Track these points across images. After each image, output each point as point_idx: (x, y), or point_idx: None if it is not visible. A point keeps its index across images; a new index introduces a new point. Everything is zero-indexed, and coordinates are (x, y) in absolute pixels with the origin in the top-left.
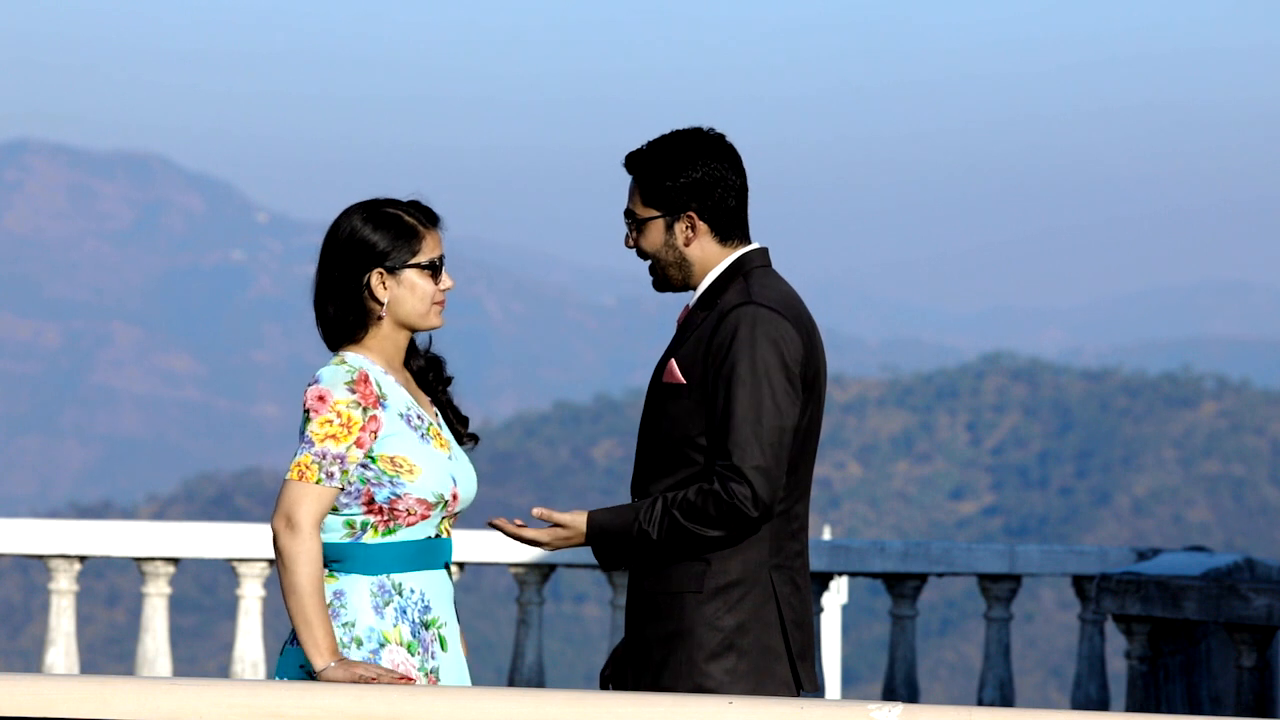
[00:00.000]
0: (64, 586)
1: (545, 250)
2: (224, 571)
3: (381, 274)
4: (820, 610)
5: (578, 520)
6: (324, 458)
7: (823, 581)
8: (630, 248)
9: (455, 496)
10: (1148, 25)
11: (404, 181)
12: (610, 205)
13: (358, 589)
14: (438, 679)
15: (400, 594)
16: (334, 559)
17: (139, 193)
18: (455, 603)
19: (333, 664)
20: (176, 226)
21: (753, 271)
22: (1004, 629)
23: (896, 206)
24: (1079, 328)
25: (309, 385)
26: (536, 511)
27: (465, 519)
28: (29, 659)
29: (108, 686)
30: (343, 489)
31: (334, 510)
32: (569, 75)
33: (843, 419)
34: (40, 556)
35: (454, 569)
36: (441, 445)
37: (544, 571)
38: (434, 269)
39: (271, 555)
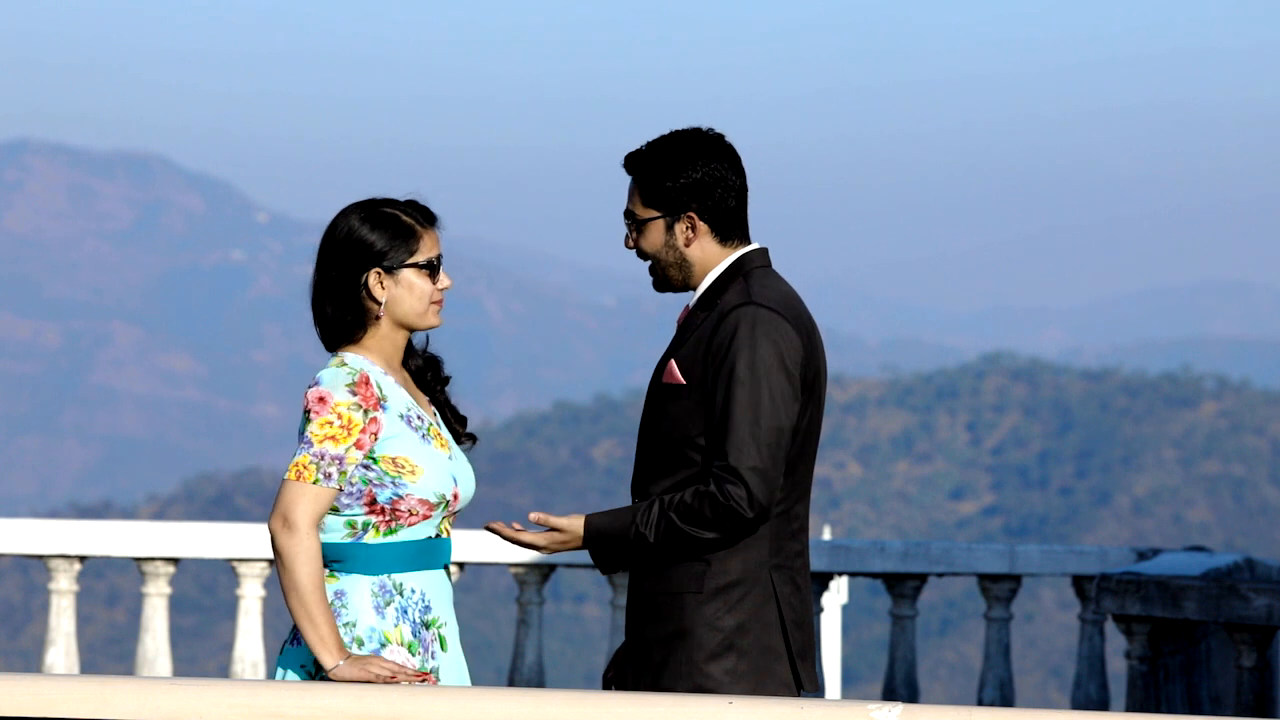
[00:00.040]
0: (64, 586)
1: (545, 250)
2: (224, 571)
3: (379, 274)
4: (820, 610)
5: (574, 524)
6: (322, 458)
7: (823, 581)
8: (630, 248)
9: (456, 496)
10: (1148, 25)
11: (404, 181)
12: (610, 205)
13: (359, 589)
14: (437, 679)
15: (401, 594)
16: (335, 559)
17: (139, 193)
18: (455, 603)
19: (342, 662)
20: (176, 226)
21: (753, 272)
22: (1004, 629)
23: (896, 206)
24: (1079, 328)
25: (309, 387)
26: (533, 516)
27: (465, 519)
28: (29, 659)
29: (108, 686)
30: (341, 490)
31: (335, 510)
32: (569, 75)
33: (843, 419)
34: (40, 556)
35: (453, 569)
36: (442, 445)
37: (544, 571)
38: (432, 268)
39: (271, 555)
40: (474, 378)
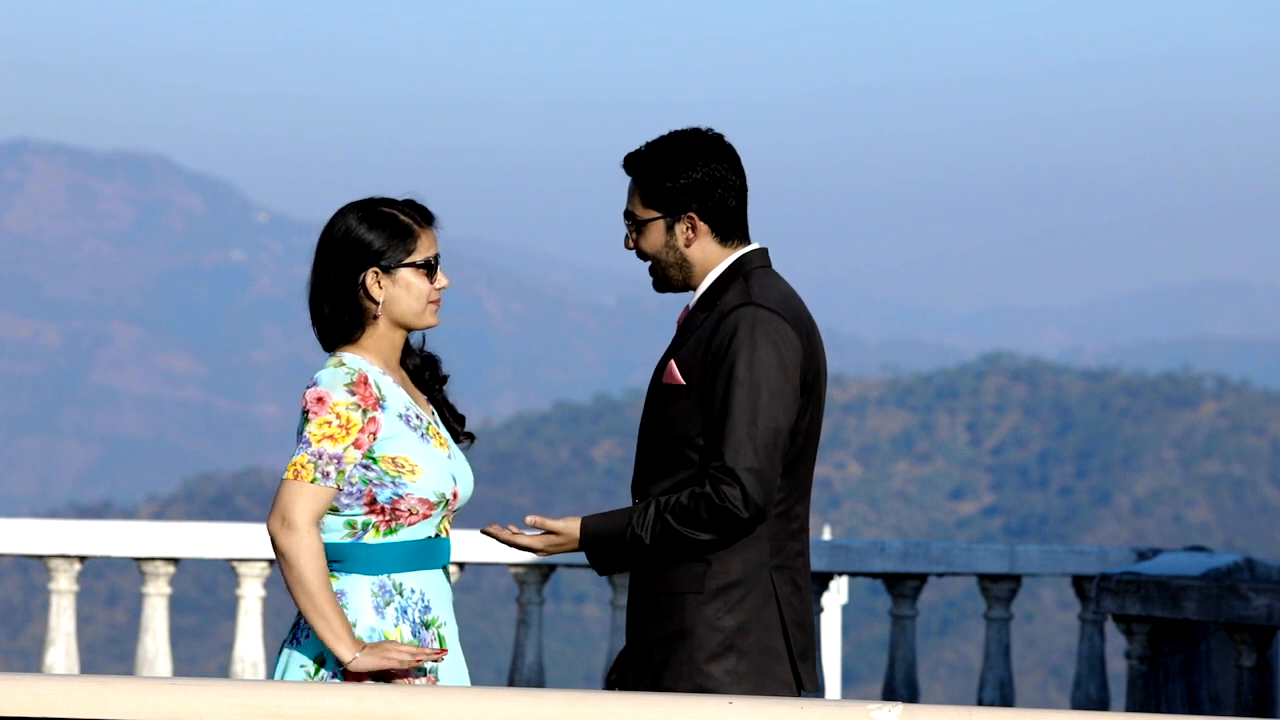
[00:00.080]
0: (64, 586)
1: (545, 250)
2: (224, 571)
3: (377, 273)
4: (820, 610)
5: (570, 526)
6: (320, 458)
7: (823, 581)
8: (630, 249)
9: (455, 495)
10: (1148, 25)
11: (404, 181)
12: (610, 205)
13: (358, 589)
14: (436, 679)
15: (401, 594)
16: (334, 559)
17: (139, 193)
18: (454, 603)
19: (359, 654)
20: (176, 226)
21: (753, 272)
22: (1004, 629)
23: (896, 206)
24: (1079, 328)
25: (308, 387)
26: (530, 519)
27: (465, 519)
28: (29, 659)
29: (108, 686)
30: (339, 489)
31: (334, 510)
32: (569, 75)
33: (843, 419)
34: (40, 556)
35: (453, 569)
36: (440, 444)
37: (544, 571)
38: (429, 268)
39: (271, 555)
40: (474, 378)
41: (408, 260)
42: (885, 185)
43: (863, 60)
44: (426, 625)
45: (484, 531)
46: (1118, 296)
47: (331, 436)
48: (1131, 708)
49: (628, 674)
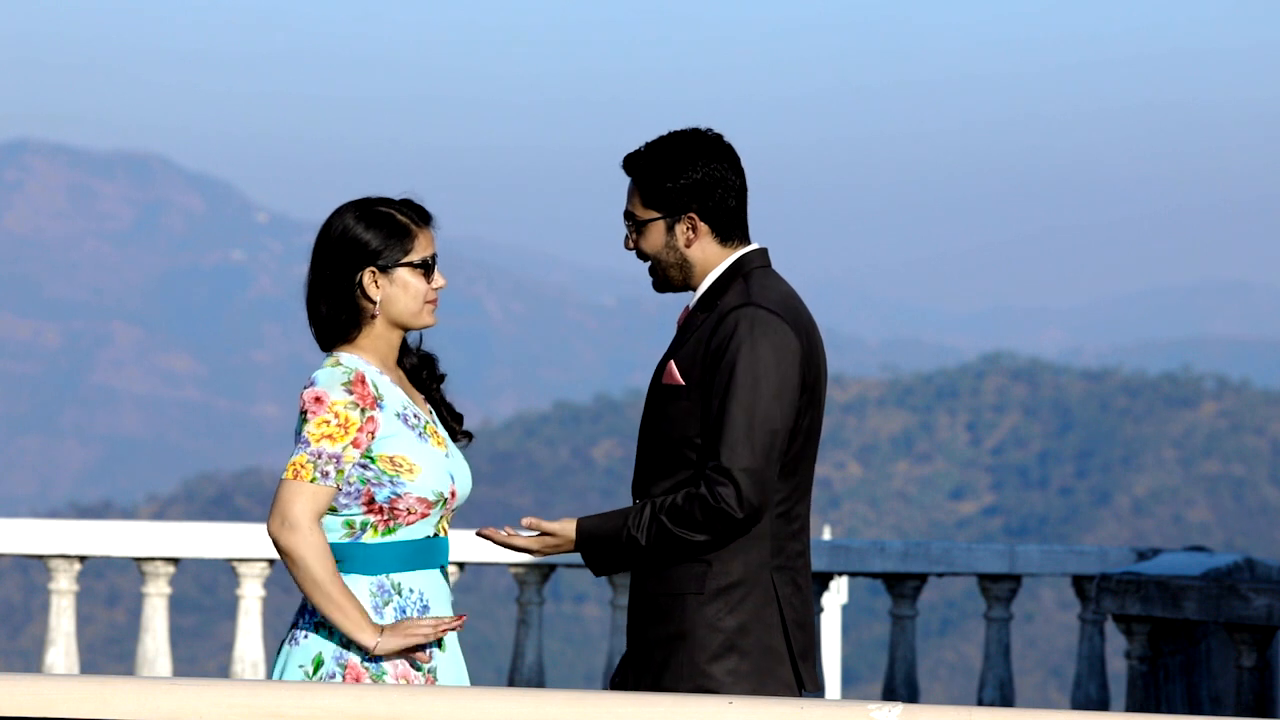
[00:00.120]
0: (64, 586)
1: (545, 250)
2: (224, 571)
3: (374, 273)
4: (820, 610)
5: (566, 528)
6: (319, 457)
7: (823, 581)
8: (630, 249)
9: (453, 494)
10: (1148, 25)
11: (404, 181)
12: (610, 205)
13: (357, 589)
14: (435, 679)
15: (399, 594)
16: (333, 559)
17: (139, 193)
18: (454, 603)
19: (380, 639)
20: (176, 226)
21: (753, 272)
22: (1004, 629)
23: (896, 206)
24: (1079, 328)
25: (305, 388)
26: (526, 521)
27: (466, 519)
28: (29, 659)
29: (108, 686)
30: (339, 489)
31: (333, 511)
32: (569, 75)
33: (843, 419)
34: (40, 556)
35: (453, 569)
36: (438, 443)
37: (544, 571)
38: (426, 268)
39: (271, 555)
40: (474, 378)
41: (405, 260)
42: (885, 185)
43: (863, 60)
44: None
45: (480, 534)
46: (1118, 296)
47: (330, 436)
48: (1131, 708)
49: (628, 674)
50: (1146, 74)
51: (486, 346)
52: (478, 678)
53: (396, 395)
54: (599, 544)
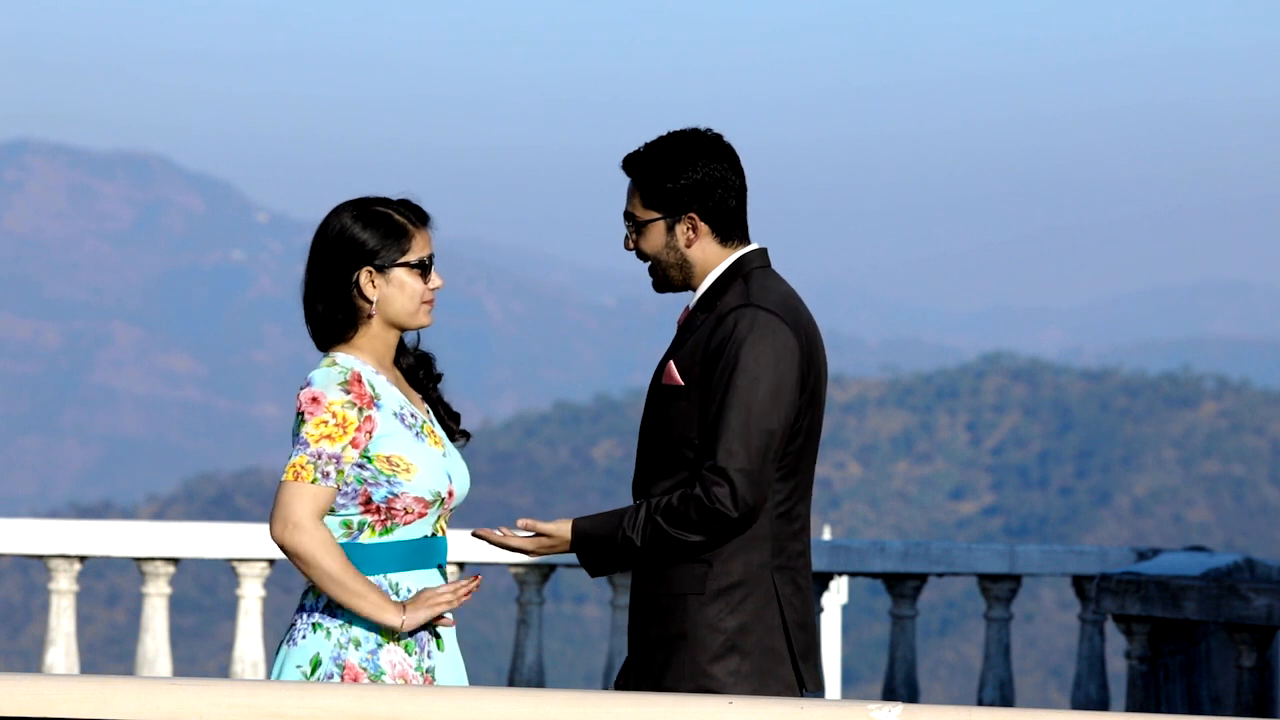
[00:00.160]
0: (64, 586)
1: (545, 250)
2: (224, 571)
3: (371, 272)
4: (820, 610)
5: (562, 529)
6: (319, 458)
7: (823, 581)
8: (630, 250)
9: (451, 494)
10: (1148, 25)
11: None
12: (610, 205)
13: None
14: (434, 678)
15: (397, 594)
16: (341, 550)
17: (139, 193)
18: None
19: (405, 615)
20: (176, 226)
21: (752, 273)
22: (1004, 629)
23: (896, 206)
24: (1079, 328)
25: (302, 388)
26: (521, 522)
27: (465, 518)
28: (29, 659)
29: (108, 686)
30: (339, 489)
31: (331, 511)
32: (569, 75)
33: (843, 419)
34: (40, 556)
35: (452, 569)
36: (436, 443)
37: (544, 571)
38: (423, 268)
39: (271, 555)
40: (474, 378)
41: (402, 260)
42: (885, 185)
43: (863, 60)
44: (423, 625)
45: (475, 535)
46: (1118, 296)
47: (329, 436)
48: (1131, 708)
49: (630, 675)
50: (1146, 74)
51: (486, 346)
52: (478, 678)
53: (393, 395)
54: (594, 545)
